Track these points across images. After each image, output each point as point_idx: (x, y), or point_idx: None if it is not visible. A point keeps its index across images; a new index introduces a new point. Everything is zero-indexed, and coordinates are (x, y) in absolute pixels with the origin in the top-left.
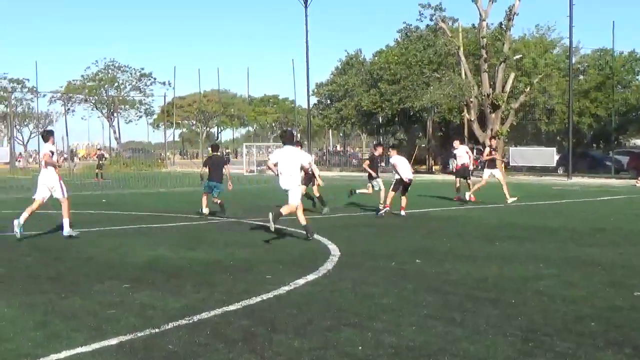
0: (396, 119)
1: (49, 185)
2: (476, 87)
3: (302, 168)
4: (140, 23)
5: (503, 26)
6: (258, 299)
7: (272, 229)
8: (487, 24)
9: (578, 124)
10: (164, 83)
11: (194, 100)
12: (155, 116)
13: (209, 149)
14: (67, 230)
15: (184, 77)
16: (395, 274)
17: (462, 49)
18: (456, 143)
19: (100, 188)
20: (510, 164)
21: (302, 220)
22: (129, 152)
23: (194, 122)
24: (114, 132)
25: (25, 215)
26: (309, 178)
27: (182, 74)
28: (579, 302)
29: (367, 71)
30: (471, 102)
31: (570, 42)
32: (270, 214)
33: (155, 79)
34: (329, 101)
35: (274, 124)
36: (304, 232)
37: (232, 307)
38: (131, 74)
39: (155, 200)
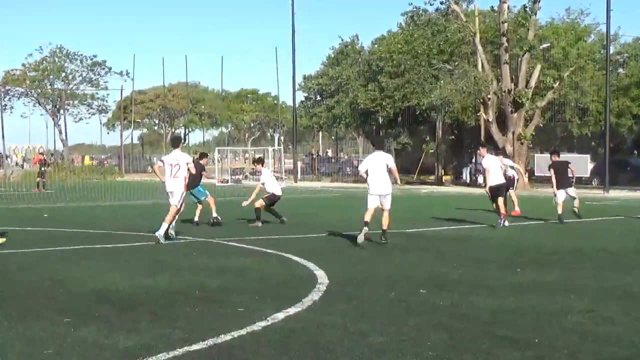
0: (399, 119)
1: (174, 193)
2: (495, 81)
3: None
4: (93, 2)
5: (527, 9)
6: (228, 336)
7: (362, 240)
8: (508, 6)
9: (616, 127)
10: (120, 74)
11: (156, 94)
12: (109, 114)
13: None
14: (161, 233)
15: (145, 67)
16: (395, 307)
17: (478, 35)
18: (483, 151)
19: (42, 200)
20: (535, 174)
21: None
22: (115, 159)
23: (157, 122)
24: (60, 132)
25: (170, 220)
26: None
27: (143, 64)
28: (616, 341)
29: (365, 62)
30: (489, 99)
31: (608, 28)
32: (366, 229)
33: (110, 68)
34: (318, 97)
35: (252, 124)
36: (384, 239)
37: (196, 347)
38: (82, 62)
39: (109, 215)
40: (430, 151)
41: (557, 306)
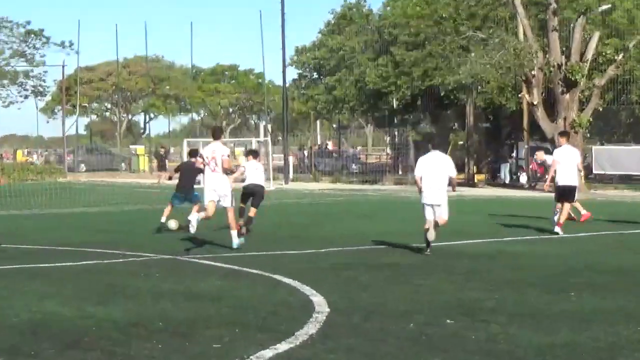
0: (418, 102)
1: (220, 192)
2: (541, 53)
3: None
4: None
5: None
6: None
7: (428, 252)
8: None
9: None
10: (62, 45)
11: (108, 72)
12: (48, 97)
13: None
14: (236, 242)
15: (93, 38)
16: (414, 342)
17: None
18: (561, 140)
19: None
20: (593, 172)
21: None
22: (82, 153)
23: (109, 107)
24: None
25: (199, 215)
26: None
27: (91, 33)
28: None
29: (375, 29)
30: (533, 76)
31: None
32: (429, 233)
33: (48, 39)
34: (315, 75)
35: (231, 110)
36: (427, 247)
37: None
38: (12, 30)
39: (51, 226)
40: (460, 143)
41: (622, 340)
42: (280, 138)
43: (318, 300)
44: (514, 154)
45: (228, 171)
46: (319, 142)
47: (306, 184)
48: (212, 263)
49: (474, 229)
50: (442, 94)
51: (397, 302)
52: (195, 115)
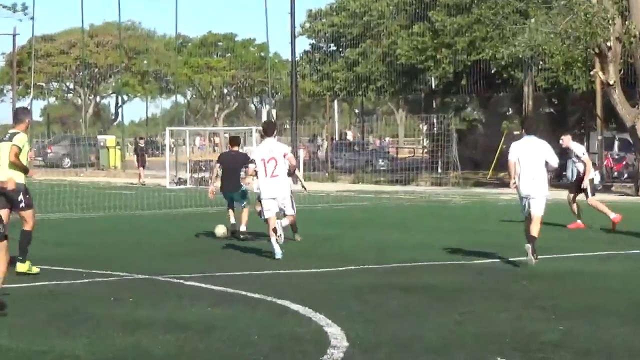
0: (463, 81)
1: (281, 199)
2: (619, 19)
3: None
4: None
5: None
6: None
7: (533, 262)
8: None
9: None
10: (12, 9)
11: (71, 43)
12: None
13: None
14: (278, 253)
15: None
16: None
17: None
18: (566, 139)
19: None
20: None
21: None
22: (66, 145)
23: (71, 86)
24: None
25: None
26: None
27: None
28: None
29: None
30: (609, 48)
31: None
32: (529, 246)
33: None
34: (332, 47)
35: (226, 90)
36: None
37: None
38: None
39: None
40: (515, 133)
41: None
42: (287, 126)
43: (334, 331)
44: (585, 146)
45: (292, 170)
46: (336, 132)
47: (320, 185)
48: (202, 285)
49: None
50: (493, 71)
51: (434, 334)
52: (180, 98)
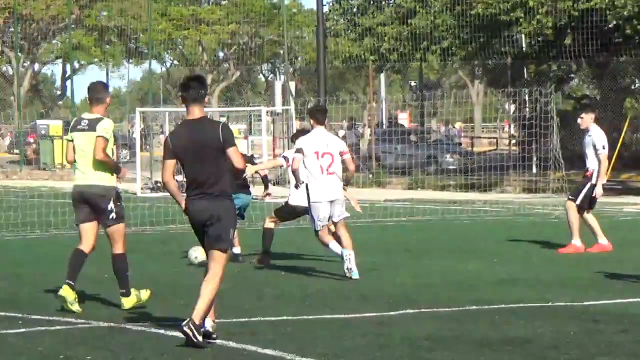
0: (566, 41)
1: (338, 202)
2: None
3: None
4: None
5: None
6: None
7: None
8: None
9: None
10: None
11: None
12: None
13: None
14: (355, 272)
15: None
16: None
17: None
18: (587, 117)
19: None
20: None
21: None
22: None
23: None
24: None
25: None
26: None
27: None
28: None
29: None
30: None
31: None
32: None
33: None
34: None
35: (222, 54)
36: None
37: None
38: None
39: None
40: None
41: None
42: (319, 106)
43: None
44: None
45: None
46: (383, 114)
47: (362, 191)
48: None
49: None
50: (608, 27)
51: None
52: (155, 65)
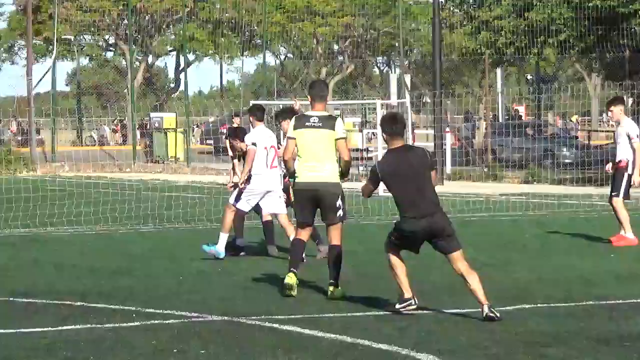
0: None
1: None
2: None
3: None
4: None
5: None
6: None
7: None
8: None
9: None
10: None
11: None
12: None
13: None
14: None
15: None
16: None
17: None
18: (617, 110)
19: None
20: None
21: None
22: None
23: (112, 42)
24: None
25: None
26: None
27: None
28: None
29: None
30: None
31: None
32: None
33: None
34: None
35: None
36: None
37: None
38: None
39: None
40: None
41: None
42: (427, 99)
43: None
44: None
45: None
46: (500, 108)
47: (476, 185)
48: (304, 331)
49: None
50: None
51: None
52: (269, 58)
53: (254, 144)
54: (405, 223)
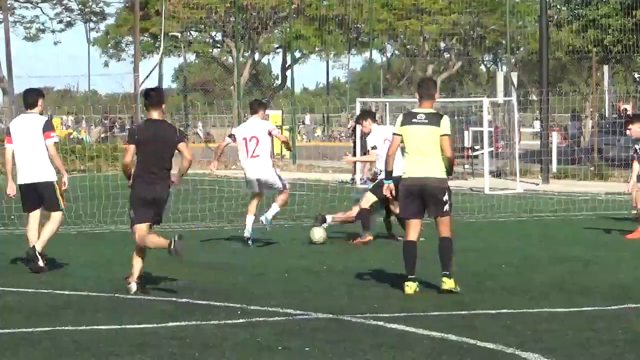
0: None
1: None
2: None
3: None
4: None
5: None
6: None
7: None
8: None
9: None
10: None
11: None
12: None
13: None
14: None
15: None
16: None
17: None
18: (634, 129)
19: None
20: None
21: None
22: None
23: (218, 38)
24: None
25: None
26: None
27: None
28: None
29: None
30: None
31: None
32: None
33: None
34: None
35: (444, 45)
36: None
37: None
38: None
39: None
40: None
41: None
42: (534, 97)
43: None
44: None
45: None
46: (607, 106)
47: (582, 184)
48: (408, 329)
49: None
50: None
51: None
52: (376, 55)
53: (230, 135)
54: None
